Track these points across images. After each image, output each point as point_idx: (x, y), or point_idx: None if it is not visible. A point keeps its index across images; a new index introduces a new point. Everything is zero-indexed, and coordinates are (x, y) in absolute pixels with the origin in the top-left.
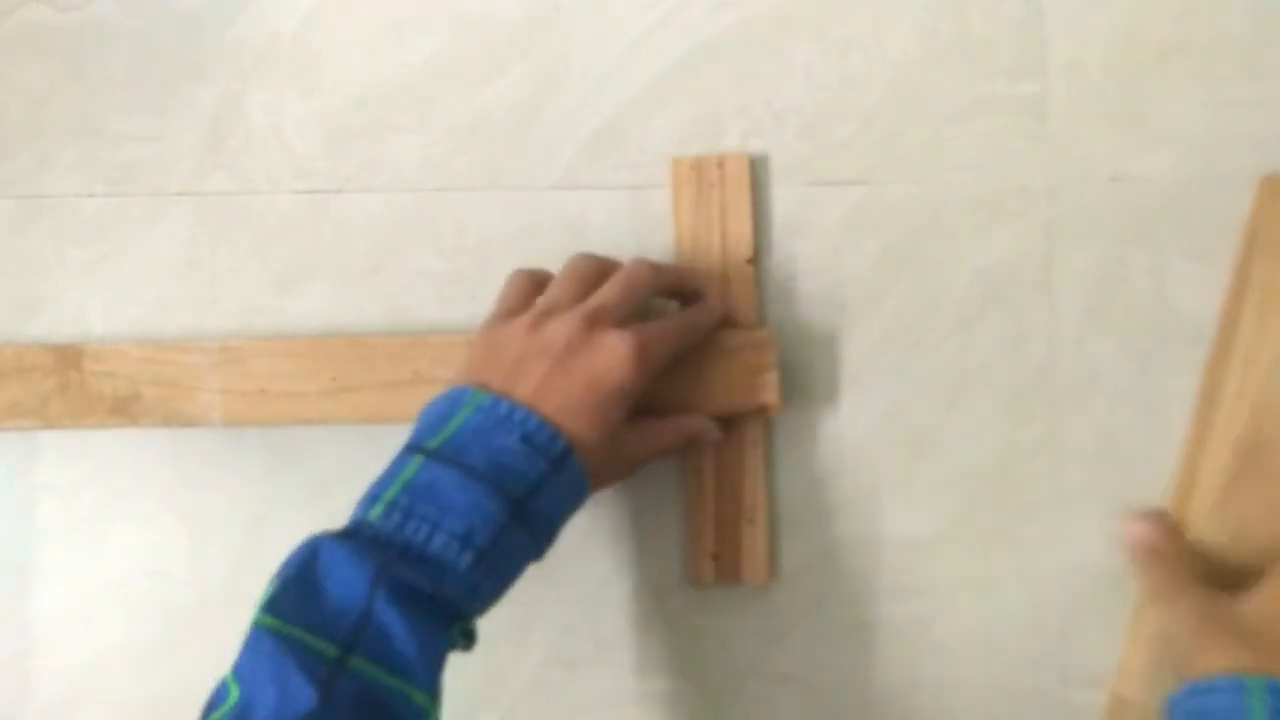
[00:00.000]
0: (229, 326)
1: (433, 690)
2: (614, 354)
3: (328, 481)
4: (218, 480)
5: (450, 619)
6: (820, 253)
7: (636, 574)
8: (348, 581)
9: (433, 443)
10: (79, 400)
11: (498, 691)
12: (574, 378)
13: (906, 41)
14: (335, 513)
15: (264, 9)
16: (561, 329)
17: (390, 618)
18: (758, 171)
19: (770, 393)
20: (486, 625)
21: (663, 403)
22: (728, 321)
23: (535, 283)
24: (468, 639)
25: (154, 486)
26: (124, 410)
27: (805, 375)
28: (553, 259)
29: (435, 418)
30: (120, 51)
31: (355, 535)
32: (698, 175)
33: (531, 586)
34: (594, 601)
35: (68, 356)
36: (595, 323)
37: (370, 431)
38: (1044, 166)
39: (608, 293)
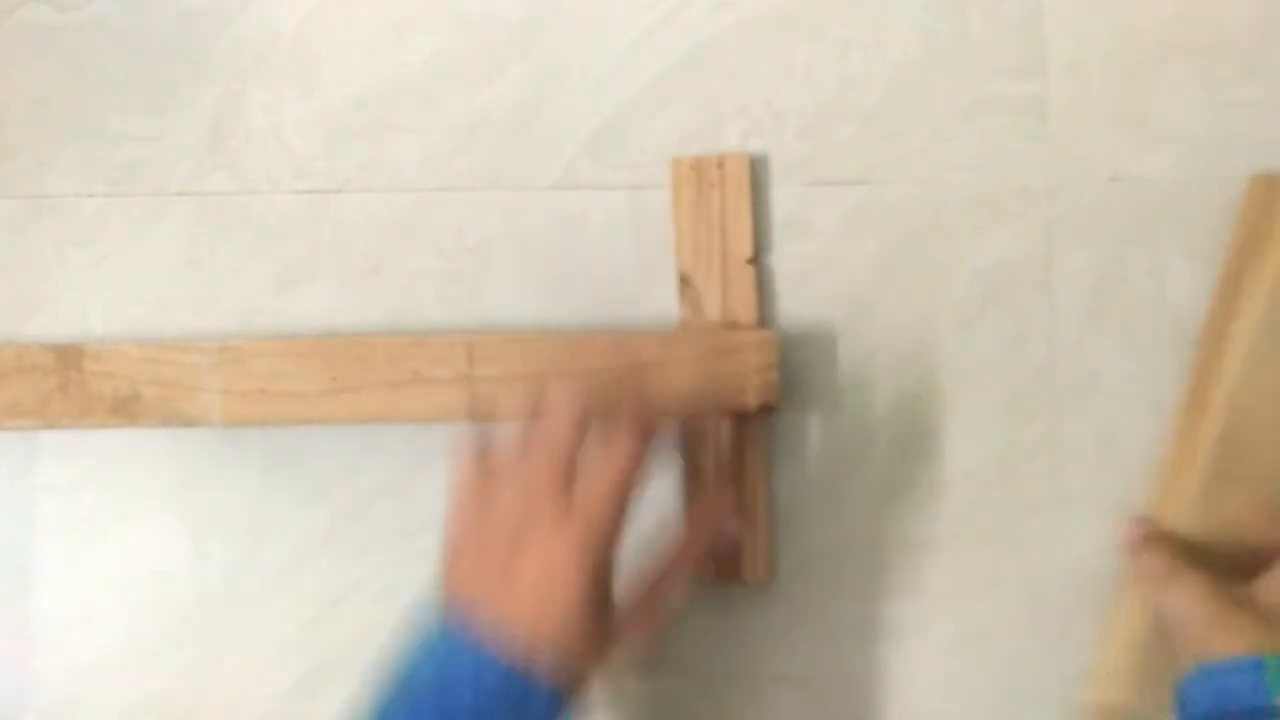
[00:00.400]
0: (229, 326)
1: None
2: (563, 550)
3: (328, 481)
4: (218, 480)
5: None
6: (820, 253)
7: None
8: None
9: (381, 702)
10: (79, 400)
11: None
12: (527, 575)
13: (906, 41)
14: (335, 513)
15: (264, 9)
16: (508, 507)
17: None
18: (758, 171)
19: (770, 393)
20: None
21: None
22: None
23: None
24: None
25: (154, 486)
26: (124, 410)
27: (805, 375)
28: (553, 259)
29: (396, 659)
30: (120, 51)
31: None
32: (698, 175)
33: None
34: None
35: (68, 356)
36: (538, 506)
37: (370, 431)
38: (1044, 166)
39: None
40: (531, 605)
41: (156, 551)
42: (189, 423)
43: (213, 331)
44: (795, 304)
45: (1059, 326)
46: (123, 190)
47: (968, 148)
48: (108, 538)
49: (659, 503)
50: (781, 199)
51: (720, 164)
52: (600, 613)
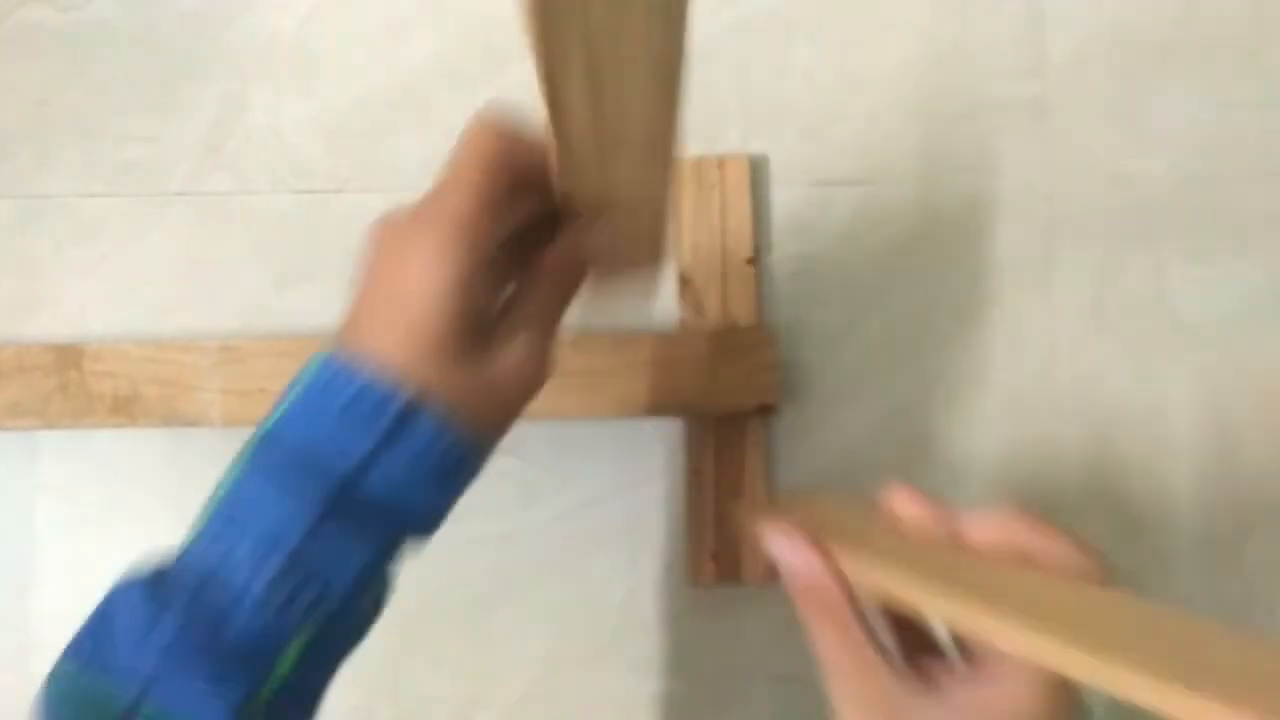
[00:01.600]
0: (229, 326)
1: None
2: (414, 250)
3: None
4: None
5: (258, 653)
6: (820, 253)
7: (636, 574)
8: (136, 628)
9: (258, 432)
10: (79, 400)
11: (498, 691)
12: (383, 298)
13: (906, 41)
14: None
15: (264, 9)
16: (368, 238)
17: (173, 668)
18: (758, 171)
19: (770, 393)
20: (486, 625)
21: (656, 400)
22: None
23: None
24: (311, 662)
25: (154, 486)
26: (124, 410)
27: (805, 375)
28: None
29: (279, 397)
30: (120, 51)
31: (161, 573)
32: (698, 175)
33: (531, 587)
34: (594, 601)
35: (68, 356)
36: (394, 216)
37: None
38: (1044, 166)
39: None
40: (389, 327)
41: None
42: (189, 423)
43: (213, 331)
44: (795, 304)
45: (1059, 326)
46: (123, 190)
47: (968, 148)
48: (108, 538)
49: (659, 503)
50: (781, 199)
51: (720, 164)
52: (474, 322)
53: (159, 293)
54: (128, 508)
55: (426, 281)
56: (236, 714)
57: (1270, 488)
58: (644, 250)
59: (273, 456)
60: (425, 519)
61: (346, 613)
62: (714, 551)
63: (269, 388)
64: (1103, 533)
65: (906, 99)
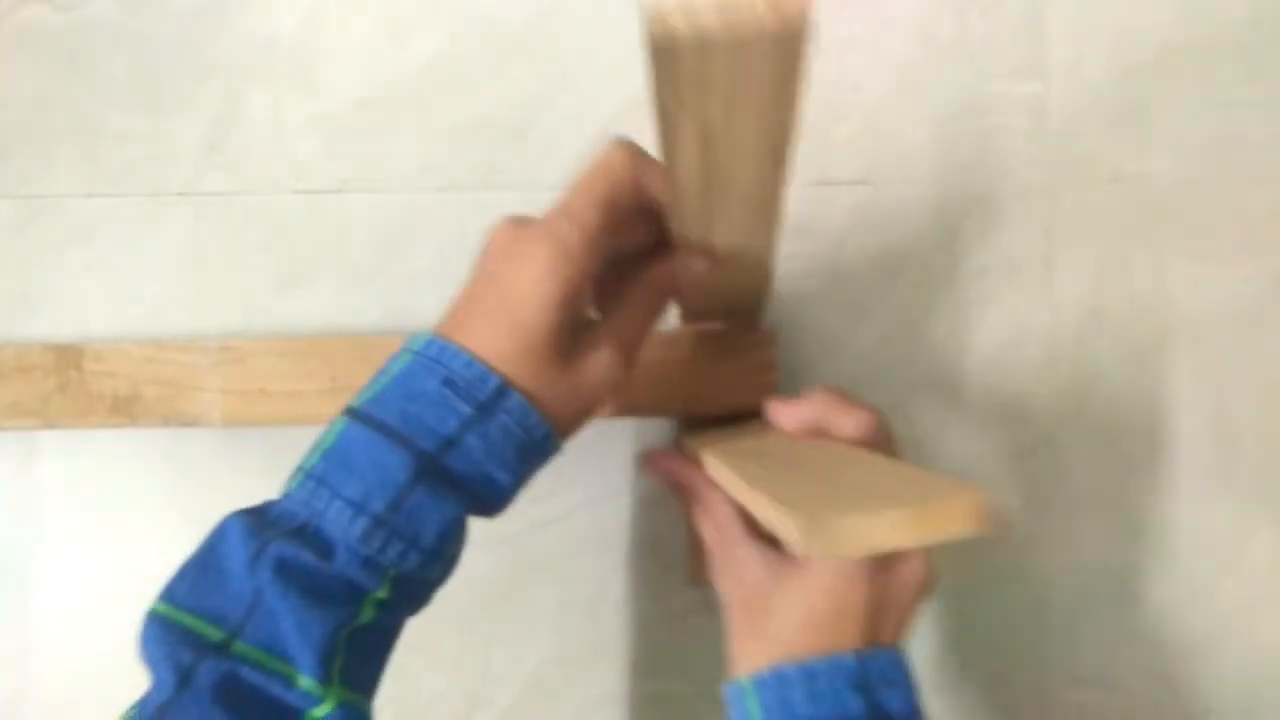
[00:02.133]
0: (229, 326)
1: (325, 673)
2: (527, 256)
3: None
4: (218, 480)
5: (350, 594)
6: (821, 253)
7: (636, 574)
8: (238, 561)
9: (361, 399)
10: (79, 400)
11: (498, 691)
12: (491, 298)
13: (906, 41)
14: None
15: (264, 9)
16: (485, 241)
17: (274, 597)
18: None
19: (770, 393)
20: (487, 625)
21: (656, 400)
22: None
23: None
24: (391, 609)
25: (154, 486)
26: (124, 410)
27: (805, 375)
28: None
29: (381, 370)
30: (120, 51)
31: (263, 511)
32: None
33: (532, 586)
34: (594, 601)
35: (68, 356)
36: (516, 223)
37: None
38: (1044, 166)
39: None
40: (494, 323)
41: (156, 551)
42: (189, 423)
43: (213, 331)
44: (796, 304)
45: (1059, 326)
46: (123, 190)
47: (968, 148)
48: (108, 538)
49: (659, 503)
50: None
51: None
52: (569, 331)
53: (159, 293)
54: (128, 508)
55: (535, 291)
56: (323, 648)
57: (1270, 488)
58: (744, 295)
59: (375, 419)
60: (498, 496)
61: (426, 566)
62: None
63: (269, 388)
64: (1103, 532)
65: (906, 99)
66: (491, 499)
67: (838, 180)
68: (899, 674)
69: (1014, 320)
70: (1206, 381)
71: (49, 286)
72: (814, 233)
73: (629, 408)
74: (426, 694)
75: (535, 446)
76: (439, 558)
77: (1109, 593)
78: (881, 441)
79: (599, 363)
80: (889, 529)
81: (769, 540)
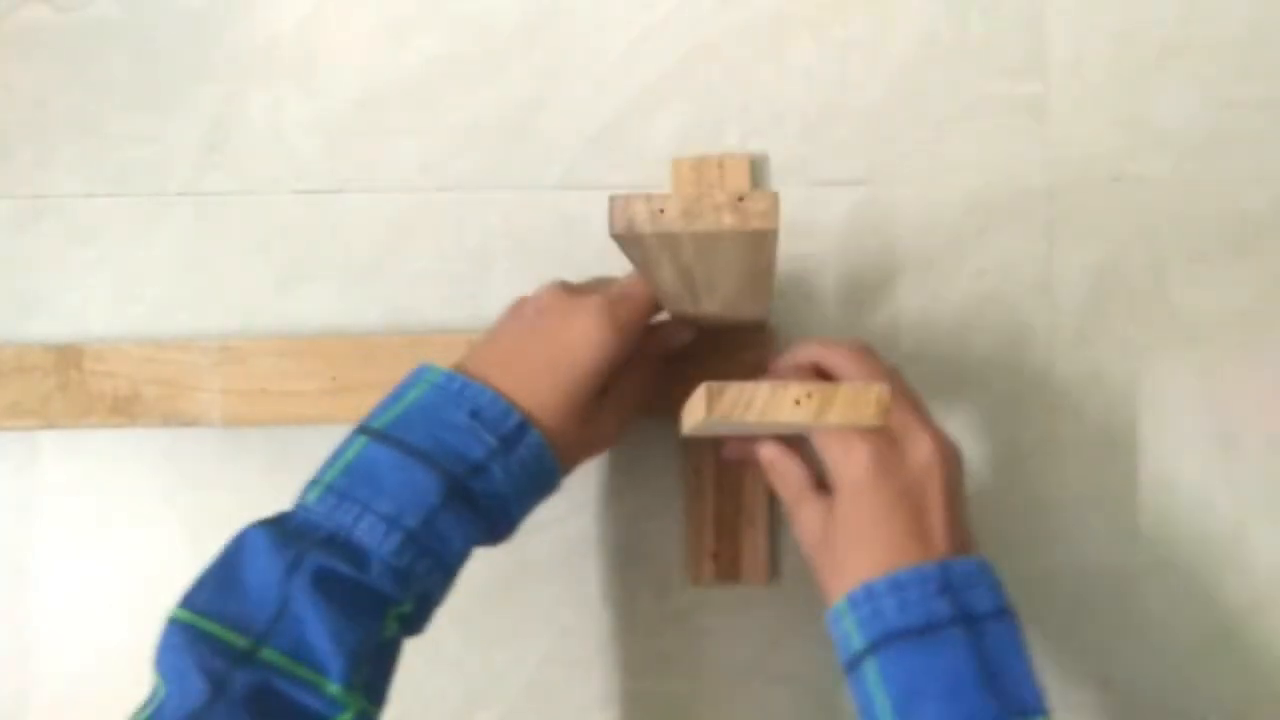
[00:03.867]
0: (229, 326)
1: (351, 681)
2: (581, 324)
3: None
4: (218, 480)
5: (378, 606)
6: (820, 253)
7: (636, 574)
8: (266, 570)
9: (380, 421)
10: (79, 400)
11: (498, 691)
12: (537, 349)
13: (906, 41)
14: None
15: (264, 9)
16: (535, 298)
17: (304, 606)
18: (758, 171)
19: None
20: (487, 625)
21: (655, 402)
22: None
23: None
24: (407, 625)
25: (154, 486)
26: (124, 410)
27: None
28: (553, 259)
29: (391, 396)
30: (120, 51)
31: (284, 521)
32: (698, 175)
33: (531, 587)
34: (594, 601)
35: (68, 356)
36: (570, 291)
37: None
38: (1044, 166)
39: (620, 280)
40: (536, 374)
41: (156, 551)
42: (189, 422)
43: (213, 331)
44: (796, 304)
45: (1059, 326)
46: (123, 190)
47: (968, 148)
48: (108, 537)
49: (659, 503)
50: (781, 199)
51: (720, 164)
52: (595, 396)
53: (159, 292)
54: (128, 507)
55: (588, 357)
56: (354, 656)
57: (1270, 488)
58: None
59: (403, 441)
60: (508, 525)
61: (445, 584)
62: (714, 551)
63: (269, 387)
64: (1103, 532)
65: (906, 99)
66: (503, 526)
67: (838, 180)
68: (982, 575)
69: (1014, 320)
70: (1206, 381)
71: (49, 286)
72: (814, 233)
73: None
74: (427, 694)
75: (544, 482)
76: (453, 577)
77: (1109, 593)
78: (870, 361)
79: (608, 422)
80: (790, 405)
81: (826, 490)
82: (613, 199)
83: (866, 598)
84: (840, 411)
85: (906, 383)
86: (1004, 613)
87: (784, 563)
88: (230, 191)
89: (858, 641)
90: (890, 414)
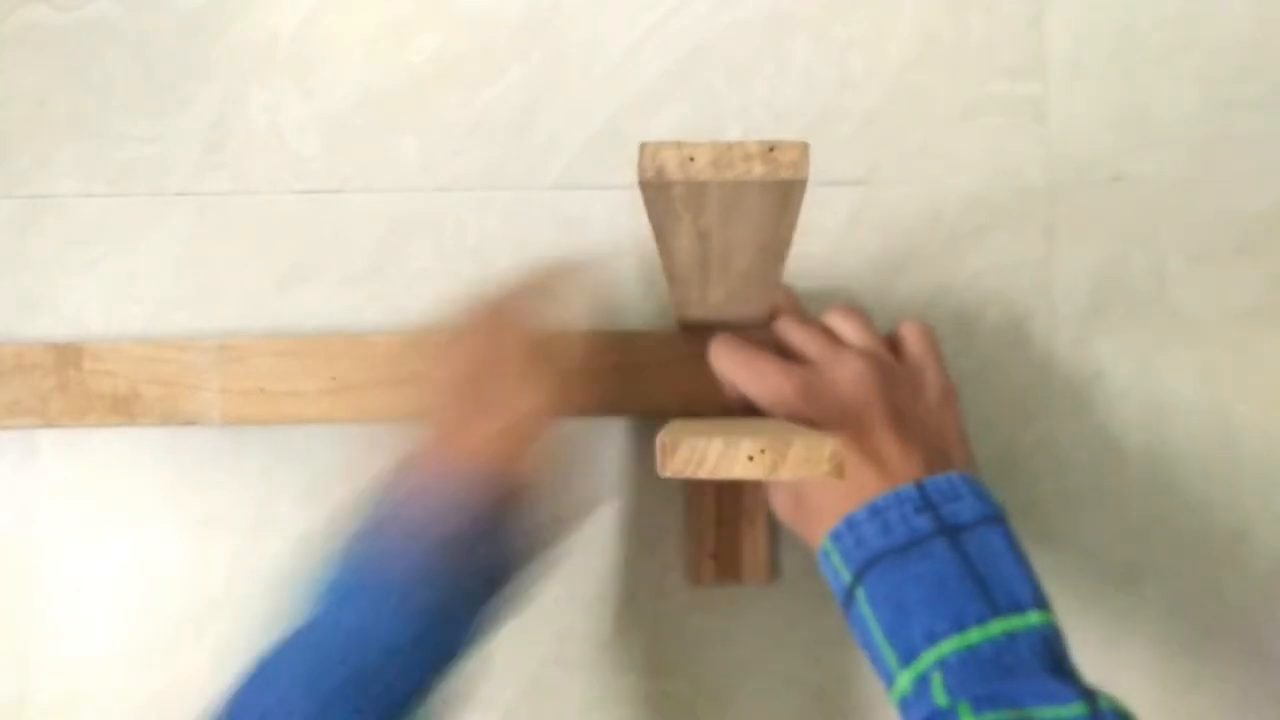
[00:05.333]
0: (229, 326)
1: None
2: (532, 404)
3: (328, 481)
4: (218, 480)
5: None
6: (820, 253)
7: (636, 574)
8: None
9: (362, 526)
10: (79, 399)
11: (498, 691)
12: (483, 424)
13: (906, 42)
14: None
15: (264, 9)
16: (465, 348)
17: None
18: None
19: None
20: None
21: (655, 402)
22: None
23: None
24: None
25: (154, 486)
26: (124, 409)
27: None
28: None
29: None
30: (120, 51)
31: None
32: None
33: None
34: (594, 601)
35: (68, 355)
36: (504, 337)
37: (370, 431)
38: (1044, 166)
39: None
40: (490, 444)
41: (156, 551)
42: (189, 422)
43: (213, 331)
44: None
45: (1059, 326)
46: (123, 190)
47: (968, 148)
48: (108, 538)
49: (659, 503)
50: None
51: None
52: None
53: (159, 292)
54: (127, 507)
55: (533, 432)
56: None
57: (1271, 488)
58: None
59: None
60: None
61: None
62: (714, 551)
63: (269, 387)
64: (1103, 533)
65: (906, 99)
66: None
67: (838, 180)
68: (962, 488)
69: (1014, 320)
70: (1206, 381)
71: (49, 286)
72: (814, 233)
73: (626, 407)
74: None
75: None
76: (470, 650)
77: (1109, 592)
78: (874, 343)
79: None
80: (744, 462)
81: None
82: (643, 145)
83: (849, 529)
84: (792, 467)
85: (849, 307)
86: (991, 519)
87: (784, 563)
88: (230, 191)
89: (846, 575)
90: (843, 468)
